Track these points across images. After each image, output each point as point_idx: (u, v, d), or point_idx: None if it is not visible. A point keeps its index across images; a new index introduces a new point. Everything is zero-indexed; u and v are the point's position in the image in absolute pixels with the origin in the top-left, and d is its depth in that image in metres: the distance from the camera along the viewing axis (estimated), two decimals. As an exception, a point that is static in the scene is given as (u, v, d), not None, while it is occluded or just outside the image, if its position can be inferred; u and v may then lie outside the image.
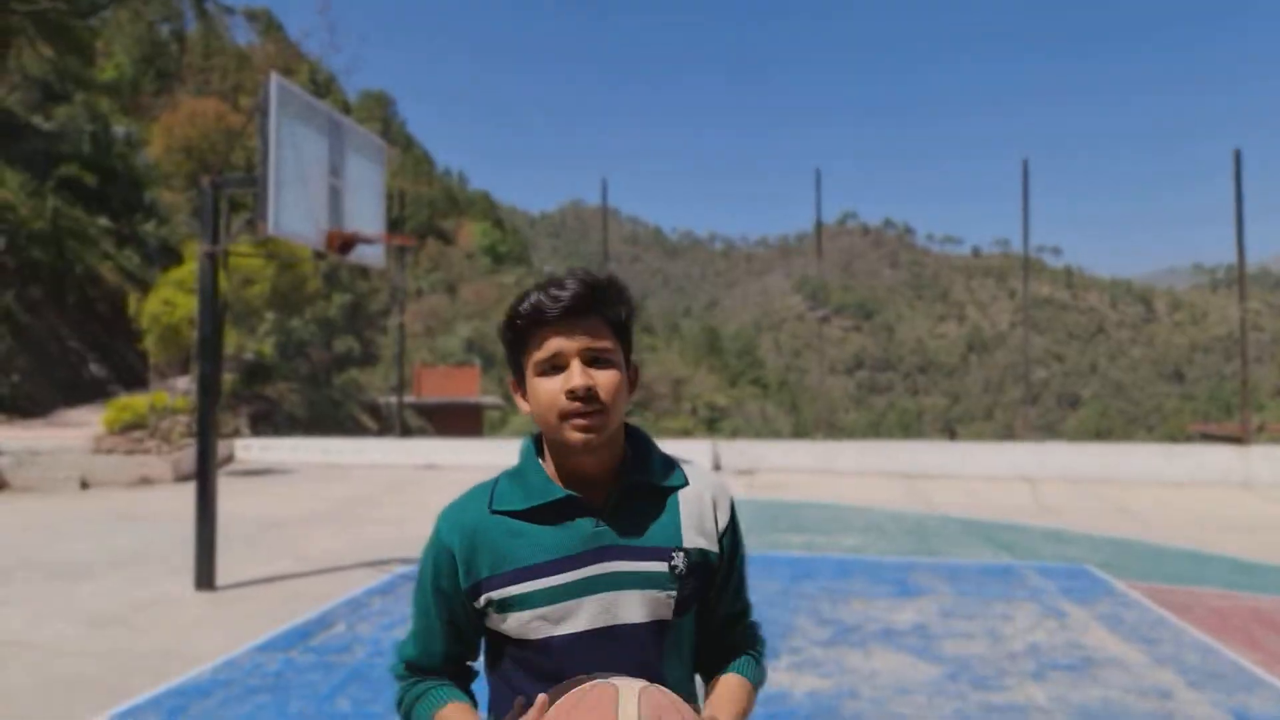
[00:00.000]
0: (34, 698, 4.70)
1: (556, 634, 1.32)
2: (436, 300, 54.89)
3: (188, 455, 14.50)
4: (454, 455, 18.62)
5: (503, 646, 1.39)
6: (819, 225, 21.55)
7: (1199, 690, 4.86)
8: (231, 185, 7.31)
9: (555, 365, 1.31)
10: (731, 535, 1.44)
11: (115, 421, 16.26)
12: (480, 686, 1.50)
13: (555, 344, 1.31)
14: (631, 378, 1.39)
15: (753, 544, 9.24)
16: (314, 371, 36.00)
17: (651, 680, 1.20)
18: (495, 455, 18.64)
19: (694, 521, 1.39)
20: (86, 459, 14.61)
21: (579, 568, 1.32)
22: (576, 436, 1.29)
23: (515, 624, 1.33)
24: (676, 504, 1.39)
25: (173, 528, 9.69)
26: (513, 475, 1.41)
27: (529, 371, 1.35)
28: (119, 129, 34.38)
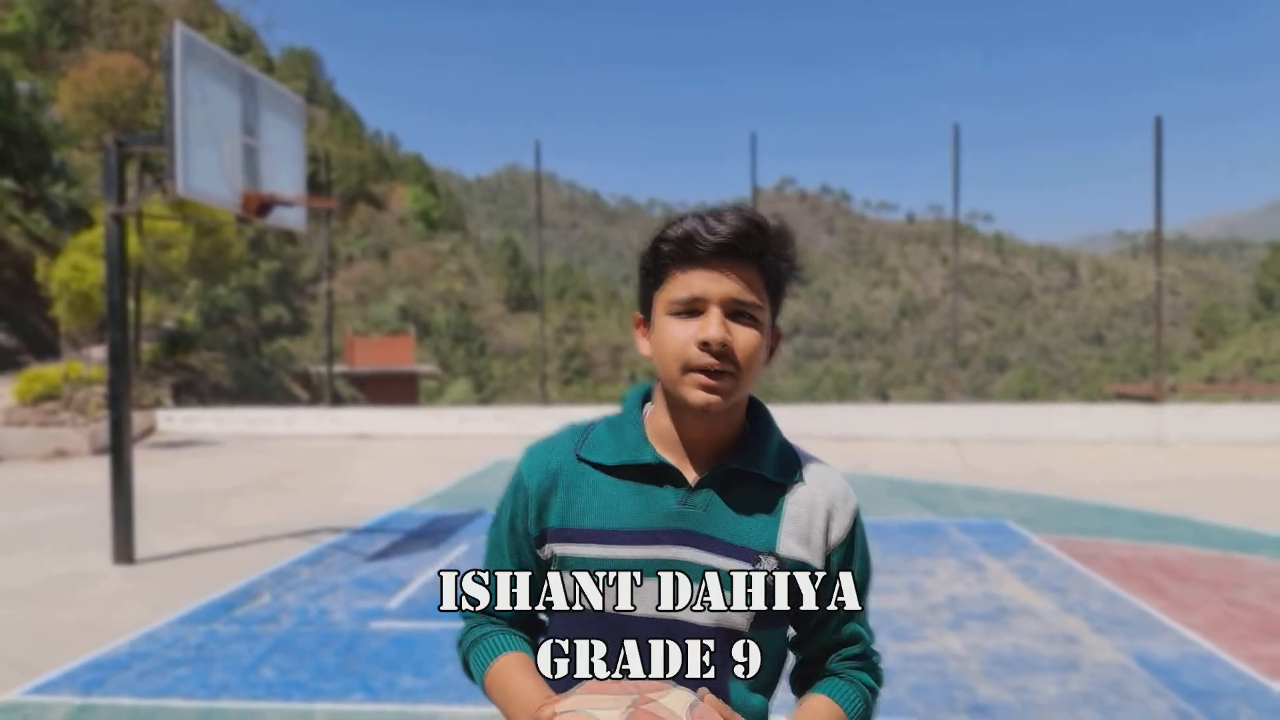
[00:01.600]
0: (-63, 677, 4.53)
1: (614, 610, 1.18)
2: (368, 267, 53.75)
3: (105, 427, 14.01)
4: (387, 424, 18.37)
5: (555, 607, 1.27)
6: (755, 190, 21.65)
7: (1104, 635, 5.09)
8: (138, 143, 7.01)
9: (692, 309, 1.13)
10: (845, 552, 1.23)
11: (27, 393, 15.61)
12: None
13: (699, 284, 1.13)
14: (772, 344, 1.21)
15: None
16: (241, 340, 35.02)
17: (712, 691, 1.09)
18: (431, 424, 18.45)
19: (798, 528, 1.20)
20: (-3, 432, 14.02)
21: (651, 545, 1.16)
22: (697, 395, 1.13)
23: (569, 586, 1.20)
24: (782, 502, 1.20)
25: (90, 501, 9.38)
26: (611, 424, 1.25)
27: (659, 308, 1.17)
28: (23, 85, 32.54)
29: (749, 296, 1.14)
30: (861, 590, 1.28)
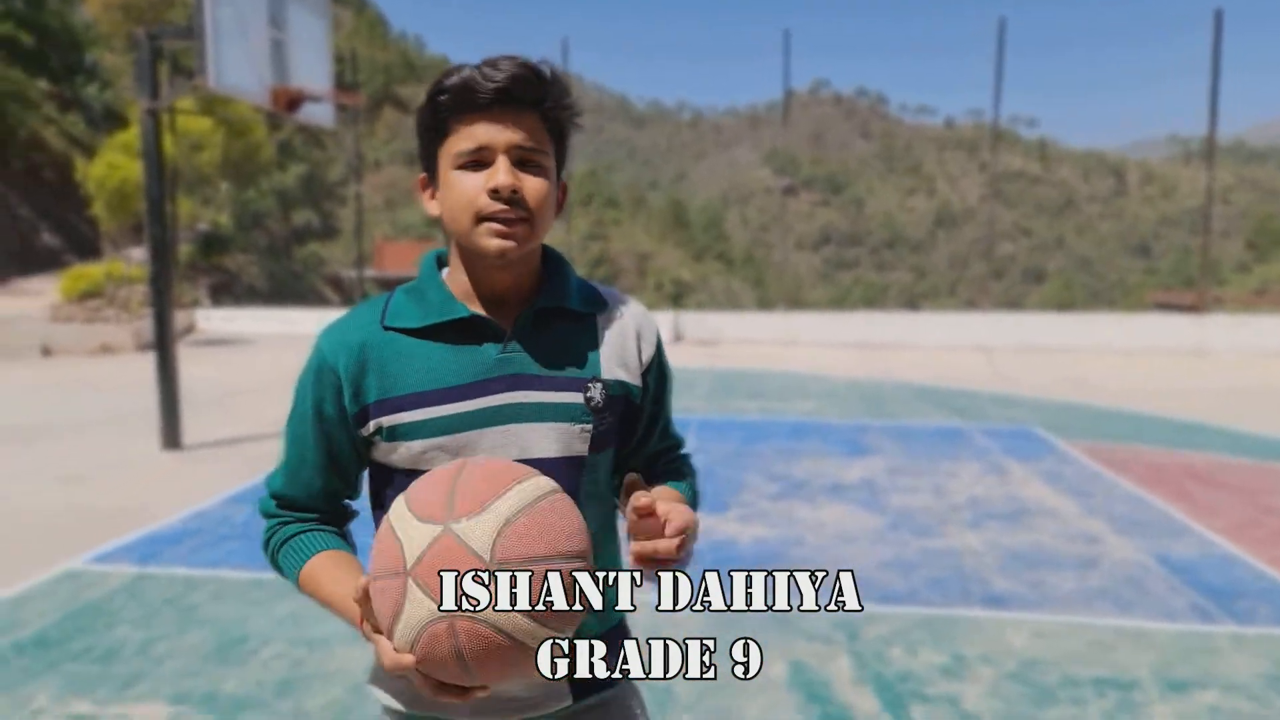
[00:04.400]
0: (6, 547, 4.80)
1: None
2: (396, 172, 53.38)
3: (148, 324, 14.35)
4: (419, 326, 18.60)
5: (392, 482, 1.22)
6: (787, 92, 21.08)
7: (1125, 536, 5.16)
8: (169, 36, 6.96)
9: (478, 160, 1.13)
10: (657, 370, 1.32)
11: (72, 290, 16.01)
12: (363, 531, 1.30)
13: (482, 133, 1.12)
14: (560, 196, 1.23)
15: (708, 409, 9.50)
16: (273, 243, 35.31)
17: None
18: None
19: (614, 352, 1.26)
20: (46, 327, 14.45)
21: (481, 396, 1.17)
22: (493, 244, 1.13)
23: (406, 455, 1.18)
24: (595, 332, 1.26)
25: (137, 394, 9.68)
26: (410, 290, 1.24)
27: (444, 164, 1.16)
28: (51, -18, 32.17)
29: (533, 143, 1.15)
30: (669, 400, 1.40)
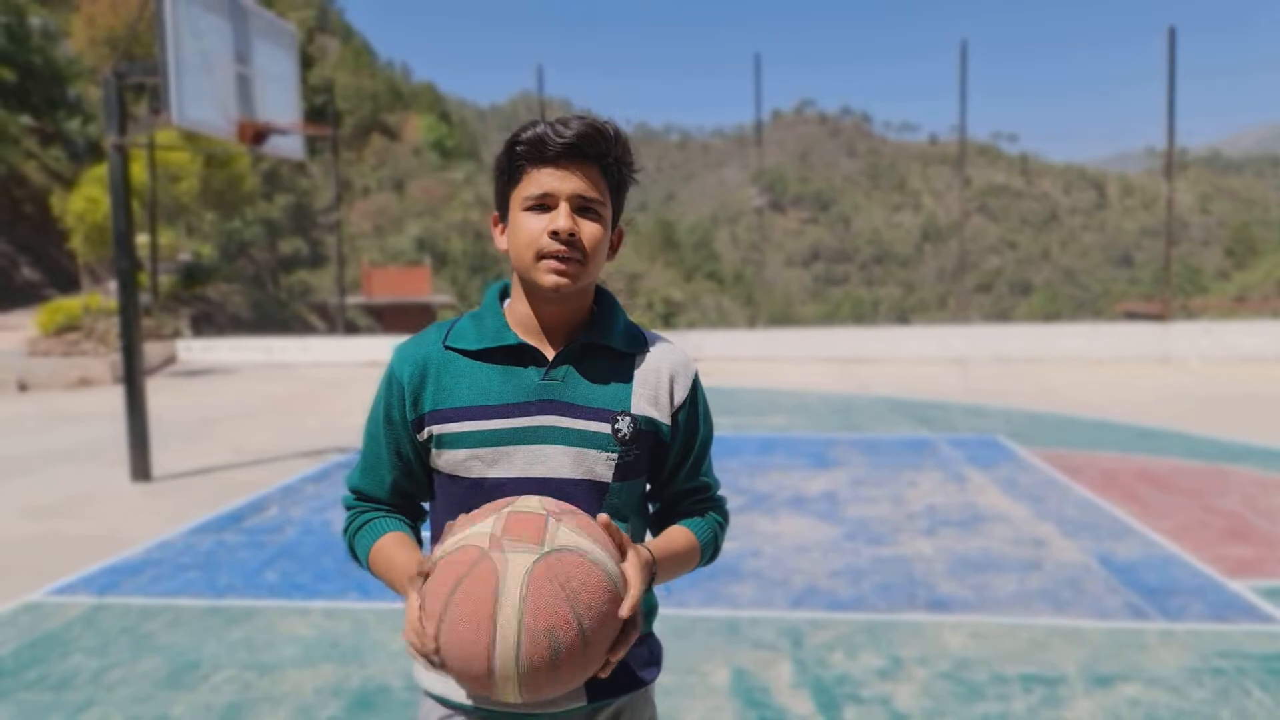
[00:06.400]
0: (-34, 582, 4.85)
1: (489, 476, 1.32)
2: (384, 198, 53.59)
3: (127, 357, 14.42)
4: (402, 352, 18.63)
5: (442, 484, 1.38)
6: (759, 114, 21.34)
7: (1071, 539, 5.28)
8: (135, 74, 7.09)
9: (543, 205, 1.28)
10: (689, 411, 1.42)
11: (49, 324, 16.03)
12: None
13: (548, 182, 1.28)
14: (614, 241, 1.37)
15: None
16: (259, 273, 35.38)
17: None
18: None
19: (647, 391, 1.38)
20: (23, 361, 14.46)
21: (517, 416, 1.31)
22: (549, 279, 1.28)
23: (449, 461, 1.33)
24: (632, 370, 1.38)
25: (111, 426, 9.70)
26: (473, 316, 1.40)
27: (514, 205, 1.32)
28: (35, 20, 32.42)
29: (593, 193, 1.29)
30: (705, 444, 1.47)
